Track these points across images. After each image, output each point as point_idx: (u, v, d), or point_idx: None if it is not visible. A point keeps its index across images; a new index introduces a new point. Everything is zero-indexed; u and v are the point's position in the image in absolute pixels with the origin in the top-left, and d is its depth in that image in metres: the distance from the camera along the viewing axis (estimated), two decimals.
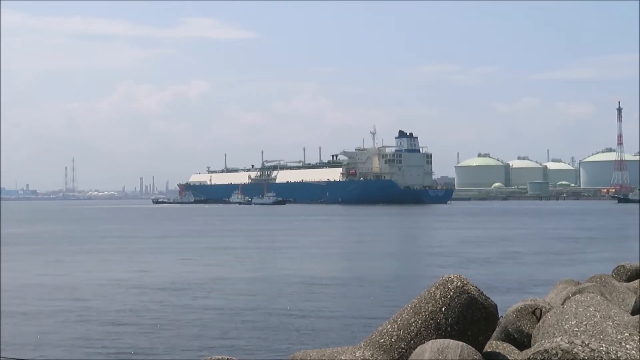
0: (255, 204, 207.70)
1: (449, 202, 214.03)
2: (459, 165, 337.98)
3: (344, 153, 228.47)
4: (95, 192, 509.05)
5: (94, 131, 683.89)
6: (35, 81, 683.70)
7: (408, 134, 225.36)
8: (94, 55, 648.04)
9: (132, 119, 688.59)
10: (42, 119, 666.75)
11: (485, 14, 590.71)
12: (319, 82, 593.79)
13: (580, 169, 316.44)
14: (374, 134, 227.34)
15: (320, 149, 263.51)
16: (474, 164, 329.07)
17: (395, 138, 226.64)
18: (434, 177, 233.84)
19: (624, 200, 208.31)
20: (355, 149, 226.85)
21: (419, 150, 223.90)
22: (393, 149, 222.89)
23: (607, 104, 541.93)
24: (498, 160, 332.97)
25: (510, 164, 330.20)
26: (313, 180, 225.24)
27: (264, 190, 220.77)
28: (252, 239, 59.84)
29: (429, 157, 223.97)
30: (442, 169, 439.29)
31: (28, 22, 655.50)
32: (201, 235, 65.42)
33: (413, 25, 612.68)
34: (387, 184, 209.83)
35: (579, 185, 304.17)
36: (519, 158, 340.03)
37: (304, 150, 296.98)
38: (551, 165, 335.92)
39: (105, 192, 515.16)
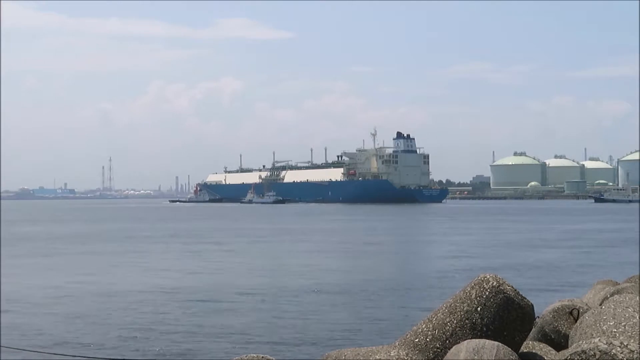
0: (256, 202, 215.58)
1: (444, 201, 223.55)
2: (494, 164, 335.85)
3: (345, 154, 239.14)
4: (132, 191, 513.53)
5: (129, 130, 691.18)
6: (72, 81, 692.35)
7: (405, 135, 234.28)
8: (128, 56, 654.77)
9: (166, 118, 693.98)
10: (79, 119, 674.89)
11: (520, 11, 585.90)
12: (350, 81, 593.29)
13: (619, 167, 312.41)
14: (374, 135, 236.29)
15: (326, 149, 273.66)
16: (510, 163, 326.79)
17: (393, 139, 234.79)
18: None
19: (600, 200, 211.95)
20: (356, 150, 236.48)
21: (416, 151, 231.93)
22: (391, 150, 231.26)
23: None
24: (534, 158, 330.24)
25: (547, 163, 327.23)
26: (317, 180, 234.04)
27: (264, 189, 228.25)
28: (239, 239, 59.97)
29: (425, 157, 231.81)
30: (476, 168, 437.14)
31: (67, 23, 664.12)
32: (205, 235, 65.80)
33: (446, 24, 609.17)
34: (383, 183, 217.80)
35: (617, 184, 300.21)
36: (555, 157, 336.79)
37: (311, 151, 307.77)
38: (588, 164, 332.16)
39: (142, 191, 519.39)
